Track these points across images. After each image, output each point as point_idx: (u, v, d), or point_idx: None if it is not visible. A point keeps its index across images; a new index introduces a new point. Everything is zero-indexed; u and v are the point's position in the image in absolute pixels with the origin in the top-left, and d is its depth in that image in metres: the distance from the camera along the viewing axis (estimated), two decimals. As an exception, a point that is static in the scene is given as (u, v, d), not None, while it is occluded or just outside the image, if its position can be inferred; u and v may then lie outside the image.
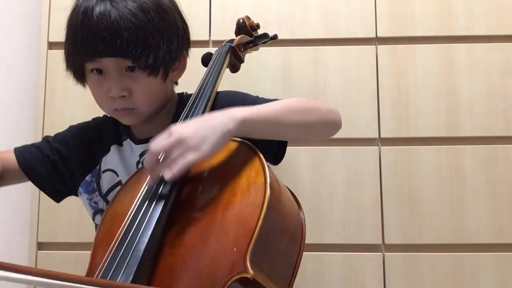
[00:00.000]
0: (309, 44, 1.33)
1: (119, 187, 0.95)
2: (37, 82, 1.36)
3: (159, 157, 0.72)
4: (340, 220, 1.25)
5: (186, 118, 0.87)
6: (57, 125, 1.32)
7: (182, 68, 0.98)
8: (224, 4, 1.35)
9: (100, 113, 1.14)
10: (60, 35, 1.36)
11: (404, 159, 1.27)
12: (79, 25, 0.87)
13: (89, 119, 1.13)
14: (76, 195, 1.03)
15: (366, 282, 1.23)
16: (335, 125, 0.91)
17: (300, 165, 1.27)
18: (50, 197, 1.04)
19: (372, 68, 1.31)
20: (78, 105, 1.34)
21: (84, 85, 0.95)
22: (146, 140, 0.96)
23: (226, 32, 1.24)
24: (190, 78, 1.01)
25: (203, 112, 0.88)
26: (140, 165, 0.96)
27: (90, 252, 0.79)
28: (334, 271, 1.23)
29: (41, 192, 1.28)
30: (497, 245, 1.23)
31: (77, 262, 1.28)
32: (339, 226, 1.25)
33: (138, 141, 0.98)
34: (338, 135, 1.27)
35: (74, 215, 1.29)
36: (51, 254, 1.29)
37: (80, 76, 0.93)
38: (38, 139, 1.32)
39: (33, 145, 1.03)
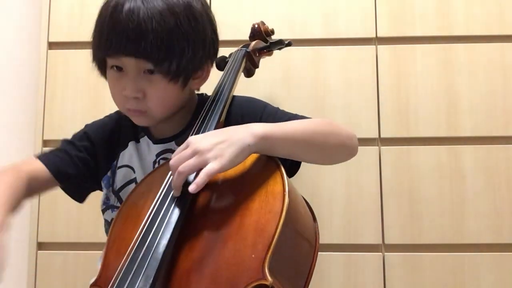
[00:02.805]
0: (309, 44, 1.33)
1: (133, 184, 0.95)
2: (37, 82, 1.36)
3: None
4: (340, 220, 1.25)
5: (203, 121, 0.87)
6: (57, 125, 1.33)
7: (205, 77, 0.94)
8: (225, 5, 1.35)
9: (99, 114, 1.14)
10: (60, 35, 1.38)
11: (404, 159, 1.27)
12: (107, 18, 0.84)
13: (89, 119, 1.13)
14: (100, 188, 1.01)
15: (366, 282, 1.23)
16: (352, 151, 0.90)
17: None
18: (75, 198, 1.00)
19: (372, 68, 1.31)
20: (78, 105, 1.34)
21: (106, 78, 0.93)
22: (164, 140, 0.96)
23: (227, 32, 1.23)
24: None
25: (220, 116, 0.88)
26: (156, 165, 0.95)
27: (103, 250, 0.78)
28: (334, 271, 1.23)
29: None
30: (497, 245, 1.23)
31: (77, 262, 1.28)
32: (339, 226, 1.25)
33: (156, 141, 0.97)
34: (338, 135, 1.28)
35: (74, 215, 1.28)
36: (51, 254, 1.29)
37: (101, 69, 0.92)
38: (38, 139, 1.32)
39: (56, 150, 0.99)
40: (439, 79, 1.29)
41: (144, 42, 0.81)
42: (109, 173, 0.98)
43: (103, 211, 0.98)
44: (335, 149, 0.87)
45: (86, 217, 1.28)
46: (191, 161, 0.71)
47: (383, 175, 1.26)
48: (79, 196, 1.00)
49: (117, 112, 1.04)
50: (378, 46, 1.32)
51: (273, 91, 1.30)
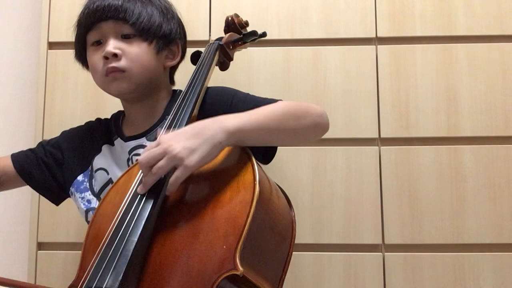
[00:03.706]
0: (309, 44, 1.33)
1: (110, 185, 0.97)
2: (37, 82, 1.36)
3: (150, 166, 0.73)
4: (340, 220, 1.25)
5: (175, 116, 0.88)
6: (57, 126, 1.33)
7: (176, 56, 1.04)
8: (224, 4, 1.35)
9: (99, 114, 1.14)
10: (60, 35, 1.37)
11: (404, 159, 1.27)
12: (88, 3, 0.98)
13: (89, 119, 1.14)
14: (68, 196, 1.06)
15: (366, 282, 1.23)
16: (324, 128, 0.92)
17: (300, 165, 1.27)
18: (49, 200, 1.09)
19: (372, 68, 1.30)
20: (78, 105, 1.34)
21: (87, 66, 1.02)
22: (135, 137, 1.00)
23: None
24: (188, 77, 1.01)
25: (192, 110, 0.89)
26: (130, 163, 0.97)
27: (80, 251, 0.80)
28: (334, 271, 1.23)
29: (41, 192, 1.29)
30: (497, 245, 1.23)
31: (77, 262, 1.27)
32: (339, 226, 1.25)
33: (127, 138, 1.01)
34: (338, 135, 1.28)
35: (74, 215, 1.28)
36: (51, 254, 1.29)
37: (82, 55, 1.02)
38: (38, 139, 1.32)
39: (29, 149, 1.07)
40: (439, 79, 1.29)
41: (121, 4, 0.95)
42: (80, 178, 1.02)
43: (85, 214, 1.01)
44: (308, 130, 0.88)
45: (86, 217, 1.28)
46: (163, 163, 0.72)
47: (383, 175, 1.26)
48: (52, 198, 1.08)
49: (97, 119, 1.10)
50: (378, 46, 1.31)
51: (273, 91, 1.30)
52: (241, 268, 0.63)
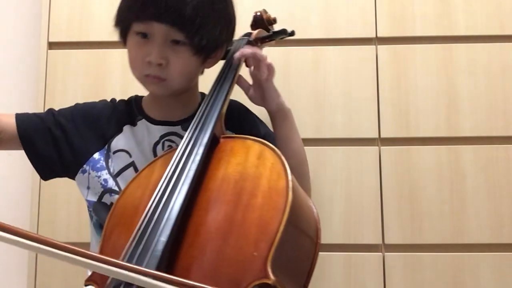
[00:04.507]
0: (309, 44, 1.33)
1: (131, 168, 0.95)
2: (37, 82, 1.36)
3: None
4: (340, 220, 1.25)
5: (207, 107, 0.88)
6: (57, 125, 1.32)
7: (217, 58, 0.99)
8: (224, 4, 1.35)
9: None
10: (60, 35, 1.37)
11: (404, 159, 1.27)
12: None
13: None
14: (70, 175, 1.00)
15: (366, 282, 1.23)
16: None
17: (300, 165, 1.27)
18: (38, 173, 0.99)
19: (372, 68, 1.30)
20: (78, 105, 1.34)
21: (123, 41, 0.96)
22: (166, 123, 0.98)
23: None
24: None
25: (224, 101, 0.90)
26: (160, 147, 0.96)
27: (100, 236, 0.77)
28: (334, 271, 1.23)
29: (41, 193, 1.29)
30: (497, 245, 1.23)
31: (77, 262, 1.28)
32: (339, 226, 1.25)
33: (156, 122, 0.99)
34: (338, 135, 1.28)
35: (74, 215, 1.28)
36: (51, 254, 1.29)
37: (124, 34, 0.94)
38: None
39: (35, 114, 1.00)
40: (439, 79, 1.29)
41: (183, 12, 0.84)
42: (96, 156, 0.97)
43: (101, 194, 0.96)
44: (302, 174, 1.00)
45: (86, 217, 1.28)
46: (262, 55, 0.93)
47: (383, 175, 1.26)
48: (43, 171, 0.99)
49: (112, 99, 1.06)
50: (378, 46, 1.31)
51: (273, 91, 1.30)
52: (273, 277, 0.61)
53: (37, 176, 1.28)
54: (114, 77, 1.33)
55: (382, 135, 1.28)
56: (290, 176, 0.71)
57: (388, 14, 1.32)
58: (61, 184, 1.09)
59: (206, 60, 0.94)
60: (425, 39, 1.31)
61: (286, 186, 0.69)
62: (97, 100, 1.06)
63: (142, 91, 1.07)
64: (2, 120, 0.94)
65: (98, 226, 0.99)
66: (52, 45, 1.36)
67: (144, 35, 0.90)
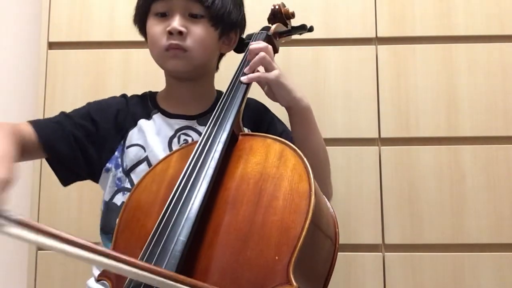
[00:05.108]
0: (309, 44, 1.33)
1: (144, 163, 0.94)
2: (37, 82, 1.36)
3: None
4: (340, 220, 1.24)
5: (226, 101, 0.87)
6: (57, 125, 1.32)
7: (232, 44, 1.04)
8: (224, 4, 1.35)
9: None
10: (60, 35, 1.37)
11: (404, 159, 1.27)
12: None
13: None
14: (95, 177, 0.98)
15: (366, 282, 1.23)
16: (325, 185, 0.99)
17: (300, 165, 1.27)
18: (60, 179, 0.96)
19: (372, 68, 1.30)
20: (78, 105, 1.33)
21: (143, 33, 1.01)
22: (185, 117, 0.99)
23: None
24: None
25: (245, 93, 0.90)
26: (176, 140, 0.96)
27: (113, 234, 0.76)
28: (334, 271, 1.23)
29: (41, 193, 1.29)
30: (497, 245, 1.23)
31: (77, 262, 1.27)
32: (339, 226, 1.25)
33: (171, 115, 0.99)
34: (338, 135, 1.28)
35: (74, 215, 1.28)
36: (51, 254, 1.28)
37: (142, 21, 1.00)
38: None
39: (50, 120, 0.96)
40: (439, 79, 1.29)
41: None
42: (117, 153, 0.96)
43: (114, 194, 0.94)
44: (323, 174, 0.99)
45: (86, 217, 1.28)
46: (269, 58, 0.92)
47: (383, 175, 1.26)
48: (65, 177, 0.96)
49: (122, 96, 1.05)
50: (378, 46, 1.31)
51: (273, 91, 1.30)
52: (295, 284, 0.59)
53: (37, 176, 1.29)
54: (114, 77, 1.33)
55: (382, 135, 1.28)
56: (312, 179, 0.68)
57: (388, 14, 1.32)
58: (61, 184, 1.09)
59: (222, 37, 0.99)
60: (425, 39, 1.31)
61: (308, 189, 0.67)
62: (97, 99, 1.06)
63: (142, 91, 1.07)
64: (22, 129, 0.88)
65: (102, 232, 0.97)
66: (52, 45, 1.36)
67: (163, 14, 0.95)
